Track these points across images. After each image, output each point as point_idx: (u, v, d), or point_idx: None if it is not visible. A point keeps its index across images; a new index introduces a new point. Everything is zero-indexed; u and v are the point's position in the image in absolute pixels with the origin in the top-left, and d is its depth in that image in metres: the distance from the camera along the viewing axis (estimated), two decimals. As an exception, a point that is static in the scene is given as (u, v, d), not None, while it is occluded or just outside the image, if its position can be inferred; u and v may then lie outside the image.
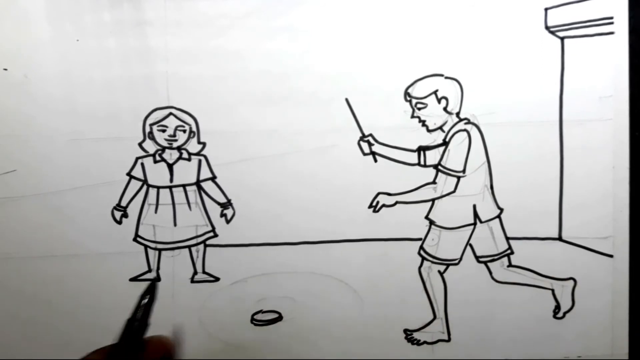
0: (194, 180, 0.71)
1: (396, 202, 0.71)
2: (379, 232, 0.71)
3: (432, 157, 0.71)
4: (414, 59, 0.70)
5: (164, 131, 0.70)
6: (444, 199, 0.72)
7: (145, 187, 0.70)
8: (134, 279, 0.70)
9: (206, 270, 0.71)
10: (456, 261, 0.72)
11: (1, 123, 0.68)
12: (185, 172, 0.70)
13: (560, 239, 0.72)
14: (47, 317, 0.70)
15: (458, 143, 0.71)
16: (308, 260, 0.71)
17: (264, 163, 0.70)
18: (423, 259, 0.72)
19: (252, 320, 0.71)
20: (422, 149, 0.71)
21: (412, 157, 0.71)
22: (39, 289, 0.69)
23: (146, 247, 0.70)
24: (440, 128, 0.71)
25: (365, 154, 0.71)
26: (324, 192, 0.71)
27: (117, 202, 0.69)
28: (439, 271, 0.72)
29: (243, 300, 0.71)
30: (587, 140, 0.71)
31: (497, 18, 0.70)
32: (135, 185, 0.70)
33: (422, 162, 0.71)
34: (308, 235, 0.71)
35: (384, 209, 0.71)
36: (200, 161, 0.70)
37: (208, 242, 0.71)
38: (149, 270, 0.70)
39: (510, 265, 0.72)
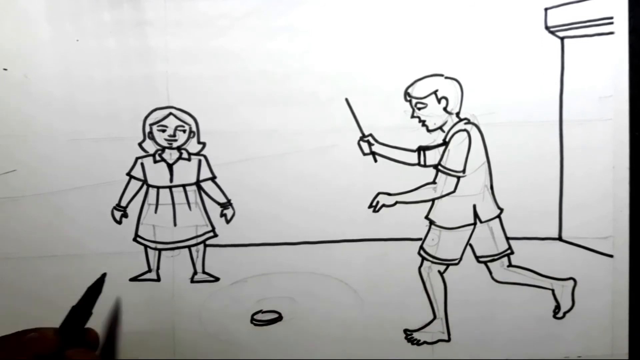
0: (194, 180, 0.71)
1: (396, 202, 0.71)
2: (379, 232, 0.71)
3: (432, 157, 0.71)
4: (414, 59, 0.70)
5: (163, 131, 0.70)
6: (444, 199, 0.72)
7: (145, 187, 0.70)
8: (134, 279, 0.70)
9: (206, 270, 0.71)
10: (456, 261, 0.73)
11: (1, 123, 0.68)
12: (185, 172, 0.70)
13: (560, 239, 0.72)
14: (47, 317, 0.70)
15: (458, 143, 0.71)
16: (308, 260, 0.71)
17: (264, 163, 0.70)
18: (423, 259, 0.72)
19: (252, 320, 0.71)
20: (422, 149, 0.71)
21: (412, 157, 0.71)
22: (39, 289, 0.69)
23: (146, 247, 0.70)
24: (440, 128, 0.71)
25: (365, 154, 0.71)
26: (324, 192, 0.71)
27: (117, 202, 0.69)
28: (439, 271, 0.72)
29: (243, 300, 0.71)
30: (587, 140, 0.71)
31: (497, 18, 0.70)
32: (135, 185, 0.70)
33: (422, 162, 0.71)
34: (308, 235, 0.71)
35: (384, 209, 0.71)
36: (200, 161, 0.70)
37: (208, 242, 0.71)
38: (149, 270, 0.70)
39: (510, 265, 0.72)
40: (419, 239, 0.72)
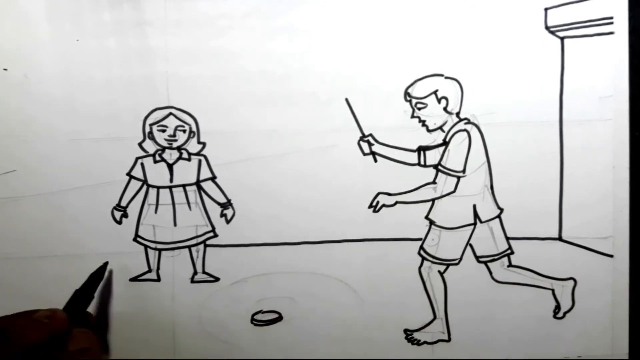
0: (194, 180, 0.71)
1: (396, 202, 0.71)
2: (379, 232, 0.71)
3: (432, 157, 0.71)
4: (414, 59, 0.70)
5: (163, 131, 0.70)
6: (444, 199, 0.72)
7: (145, 187, 0.70)
8: (134, 279, 0.70)
9: (206, 270, 0.71)
10: (456, 261, 0.73)
11: (1, 123, 0.68)
12: (185, 172, 0.70)
13: (560, 239, 0.72)
14: (47, 317, 0.70)
15: (458, 143, 0.71)
16: (308, 260, 0.71)
17: (264, 163, 0.70)
18: (423, 259, 0.72)
19: (252, 320, 0.71)
20: (422, 149, 0.71)
21: (412, 157, 0.71)
22: (39, 289, 0.69)
23: (146, 247, 0.70)
24: (440, 128, 0.71)
25: (365, 154, 0.71)
26: (324, 192, 0.71)
27: (117, 202, 0.69)
28: (439, 271, 0.72)
29: (243, 300, 0.71)
30: (587, 140, 0.71)
31: (497, 18, 0.70)
32: (135, 185, 0.70)
33: (422, 162, 0.71)
34: (308, 235, 0.71)
35: (384, 209, 0.71)
36: (200, 161, 0.70)
37: (208, 242, 0.71)
38: (149, 270, 0.70)
39: (510, 265, 0.72)
40: (419, 239, 0.72)
